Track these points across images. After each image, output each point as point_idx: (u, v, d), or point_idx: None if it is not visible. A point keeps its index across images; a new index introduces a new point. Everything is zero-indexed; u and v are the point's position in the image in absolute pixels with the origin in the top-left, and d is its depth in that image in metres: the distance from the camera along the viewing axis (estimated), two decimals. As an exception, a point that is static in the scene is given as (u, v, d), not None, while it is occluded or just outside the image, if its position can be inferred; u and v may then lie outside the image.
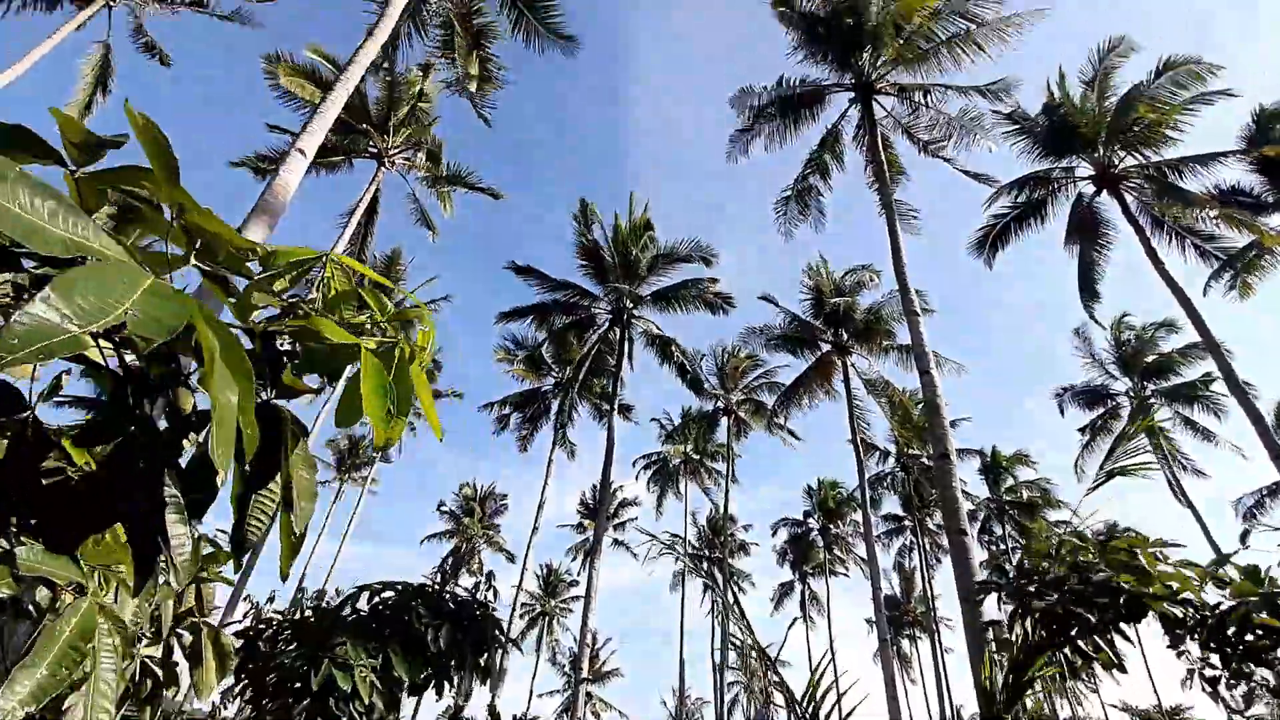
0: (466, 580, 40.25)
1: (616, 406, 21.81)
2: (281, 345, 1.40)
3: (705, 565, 42.58)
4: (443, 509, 42.39)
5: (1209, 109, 16.46)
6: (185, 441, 1.32)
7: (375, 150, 20.99)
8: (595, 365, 23.92)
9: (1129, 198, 17.68)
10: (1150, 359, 26.39)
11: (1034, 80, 16.23)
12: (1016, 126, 18.41)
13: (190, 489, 1.21)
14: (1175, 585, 4.22)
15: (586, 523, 43.31)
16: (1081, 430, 28.85)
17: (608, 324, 23.16)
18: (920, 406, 28.38)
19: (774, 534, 44.12)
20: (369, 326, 1.44)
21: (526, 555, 25.64)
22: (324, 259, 1.37)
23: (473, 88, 14.81)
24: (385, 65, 19.02)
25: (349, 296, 1.42)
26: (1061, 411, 28.67)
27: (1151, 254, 17.11)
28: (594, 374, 24.23)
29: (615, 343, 22.82)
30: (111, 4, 18.00)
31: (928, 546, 36.93)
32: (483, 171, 21.91)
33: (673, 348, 22.54)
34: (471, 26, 14.31)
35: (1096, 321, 20.37)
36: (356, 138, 20.80)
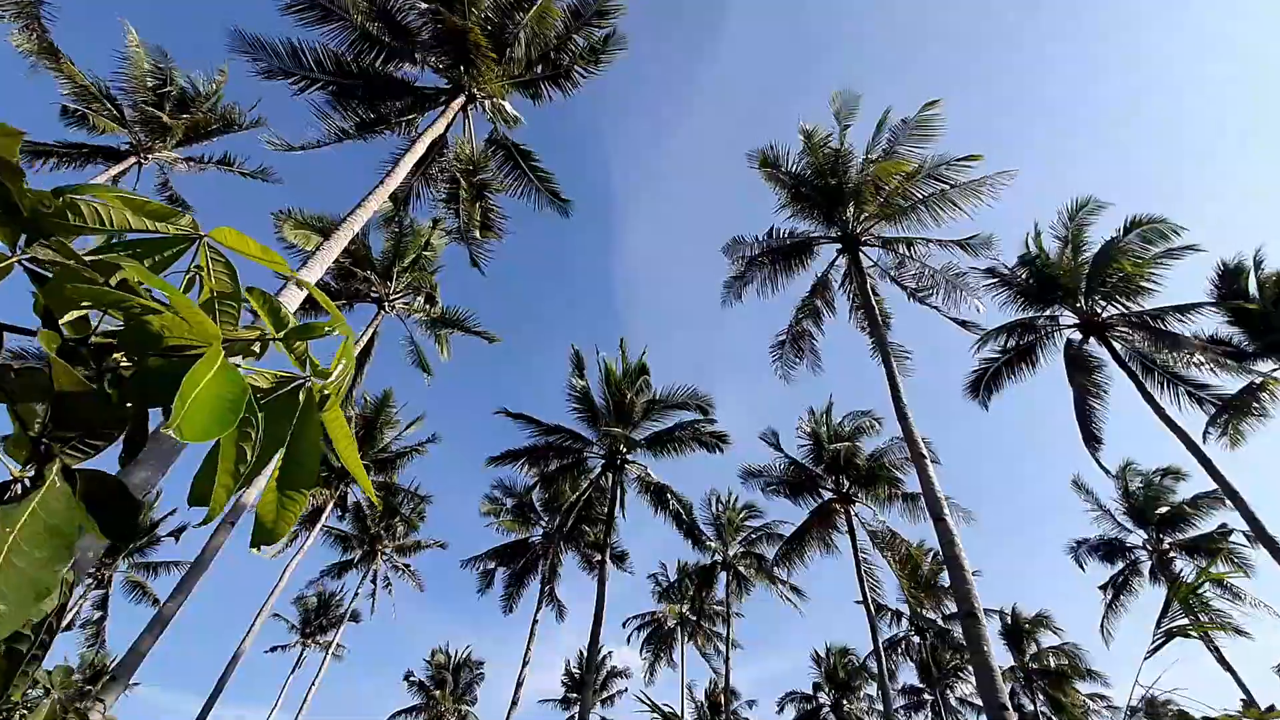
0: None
1: (609, 555, 20.33)
2: (110, 363, 0.90)
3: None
4: (411, 680, 38.03)
5: (1177, 261, 17.33)
6: None
7: (376, 295, 21.46)
8: (586, 513, 22.72)
9: (1117, 345, 17.92)
10: (1163, 510, 25.31)
11: (1012, 214, 17.12)
12: (997, 279, 19.12)
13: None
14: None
15: (572, 696, 38.93)
16: (1103, 588, 26.99)
17: (600, 468, 22.33)
18: (930, 556, 26.69)
19: (780, 710, 39.52)
20: (257, 349, 0.95)
21: (502, 736, 22.45)
22: (198, 240, 0.91)
23: (476, 233, 15.41)
24: (396, 217, 20.03)
25: (231, 299, 0.94)
26: (1081, 566, 26.97)
27: (1149, 399, 16.96)
28: (585, 522, 22.95)
29: (608, 488, 21.83)
30: (142, 162, 19.27)
31: (953, 726, 33.00)
32: (479, 316, 22.34)
33: (667, 495, 21.54)
34: (476, 180, 15.20)
35: (1104, 469, 19.62)
36: (358, 284, 21.34)
